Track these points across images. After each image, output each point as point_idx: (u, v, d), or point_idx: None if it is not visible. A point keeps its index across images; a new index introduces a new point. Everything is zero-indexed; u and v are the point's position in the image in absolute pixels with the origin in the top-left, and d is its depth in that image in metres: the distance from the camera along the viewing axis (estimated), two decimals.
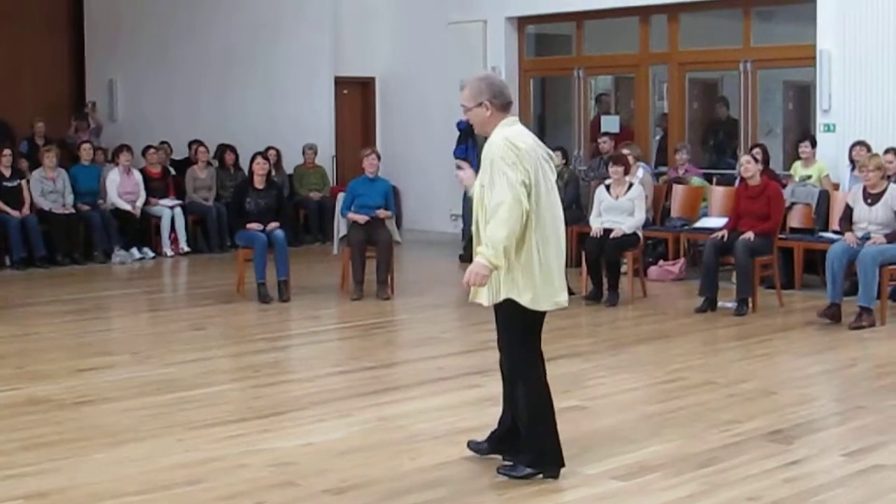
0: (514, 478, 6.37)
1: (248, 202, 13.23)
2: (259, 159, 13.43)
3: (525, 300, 6.22)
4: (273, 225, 13.10)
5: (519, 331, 6.36)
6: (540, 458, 6.40)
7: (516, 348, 6.41)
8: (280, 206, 13.50)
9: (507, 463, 6.50)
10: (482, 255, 6.10)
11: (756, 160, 12.73)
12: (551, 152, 6.51)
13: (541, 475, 6.38)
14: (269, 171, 13.77)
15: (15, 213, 15.93)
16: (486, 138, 6.36)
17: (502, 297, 6.25)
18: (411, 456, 6.95)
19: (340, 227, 13.65)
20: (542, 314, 6.38)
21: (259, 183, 13.32)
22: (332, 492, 6.23)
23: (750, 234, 12.02)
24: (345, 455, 6.97)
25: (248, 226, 13.10)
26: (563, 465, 6.44)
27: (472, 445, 6.85)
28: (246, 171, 15.05)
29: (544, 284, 6.23)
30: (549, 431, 6.42)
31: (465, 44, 18.93)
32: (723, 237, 12.25)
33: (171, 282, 16.13)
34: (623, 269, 12.95)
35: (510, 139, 6.16)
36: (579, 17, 18.24)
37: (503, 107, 6.32)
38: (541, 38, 19.63)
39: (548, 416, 6.42)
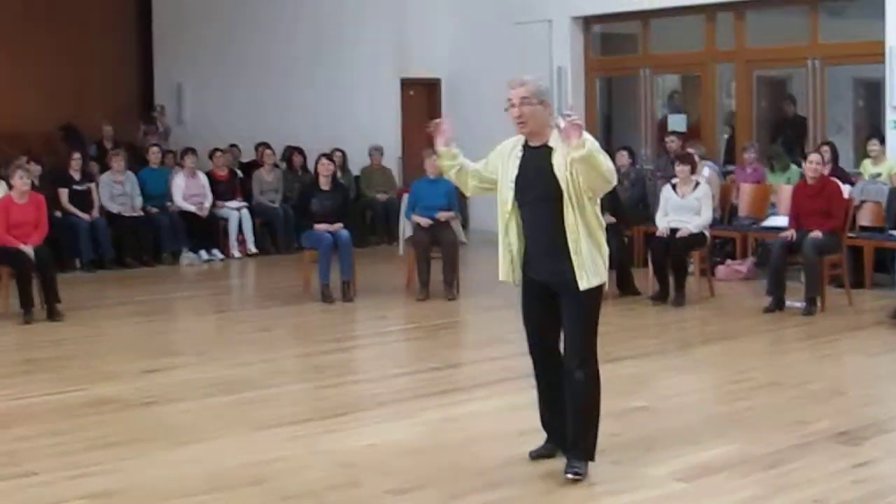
0: (584, 475, 6.35)
1: (313, 203, 13.28)
2: (324, 160, 13.47)
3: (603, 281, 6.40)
4: (338, 226, 13.13)
5: (597, 317, 6.49)
6: (594, 448, 6.44)
7: (593, 335, 6.50)
8: (345, 207, 13.53)
9: (574, 465, 6.43)
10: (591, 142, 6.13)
11: (823, 158, 12.60)
12: None
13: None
14: (335, 173, 13.81)
15: (84, 216, 16.08)
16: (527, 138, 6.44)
17: (595, 282, 6.33)
18: (475, 457, 6.93)
19: (405, 229, 13.67)
20: None
21: (324, 184, 13.36)
22: (393, 492, 6.22)
23: (818, 233, 11.89)
24: (407, 456, 6.96)
25: (315, 226, 13.15)
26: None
27: (533, 454, 6.81)
28: (312, 173, 15.09)
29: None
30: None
31: (531, 44, 18.87)
32: (791, 236, 12.12)
33: (238, 283, 16.22)
34: (690, 268, 12.86)
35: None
36: (645, 15, 18.14)
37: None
38: (606, 38, 19.54)
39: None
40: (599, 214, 6.39)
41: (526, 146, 6.45)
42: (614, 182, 6.35)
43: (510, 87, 6.38)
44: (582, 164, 6.09)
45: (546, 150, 6.35)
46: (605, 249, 6.40)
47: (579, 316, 6.41)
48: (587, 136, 6.10)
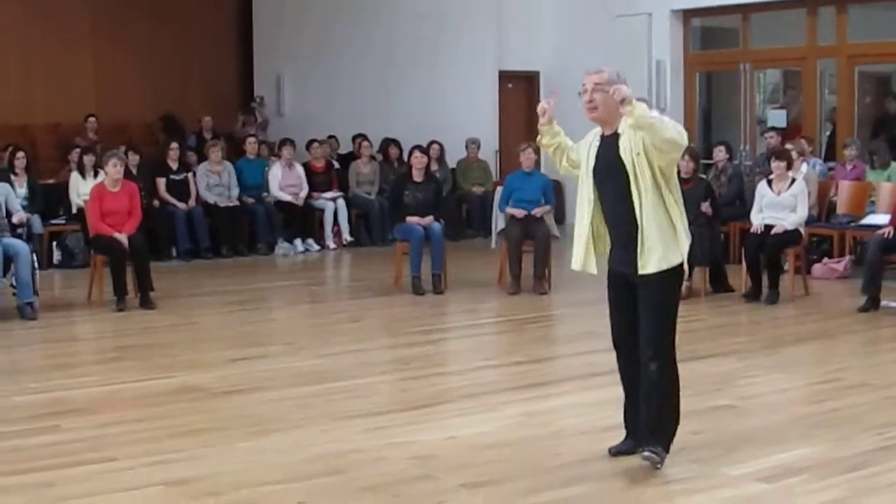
0: (660, 457, 6.31)
1: (406, 195, 13.29)
2: (416, 153, 13.48)
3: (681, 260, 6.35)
4: (429, 219, 13.13)
5: (672, 307, 6.40)
6: (670, 441, 6.38)
7: (667, 326, 6.39)
8: (438, 200, 13.52)
9: (650, 446, 6.36)
10: (640, 107, 6.10)
11: None
12: None
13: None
14: (428, 165, 13.81)
15: (181, 206, 16.27)
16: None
17: (664, 266, 6.28)
18: (554, 452, 6.89)
19: (498, 222, 13.63)
20: None
21: (417, 176, 13.36)
22: (468, 486, 6.20)
23: None
24: (487, 449, 6.93)
25: (407, 219, 13.16)
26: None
27: (612, 451, 6.75)
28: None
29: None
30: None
31: (630, 37, 18.74)
32: (888, 234, 11.90)
33: (332, 274, 16.31)
34: (784, 266, 12.69)
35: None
36: (745, 9, 17.92)
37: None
38: (706, 32, 19.34)
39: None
40: (678, 200, 6.29)
41: (602, 137, 6.44)
42: (684, 141, 6.17)
43: (587, 74, 6.37)
44: (642, 130, 6.07)
45: (615, 138, 6.34)
46: (684, 237, 6.28)
47: (651, 305, 6.33)
48: (637, 103, 6.07)
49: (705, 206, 12.41)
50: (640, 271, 6.24)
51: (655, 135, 6.06)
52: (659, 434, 6.37)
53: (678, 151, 6.23)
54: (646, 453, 6.33)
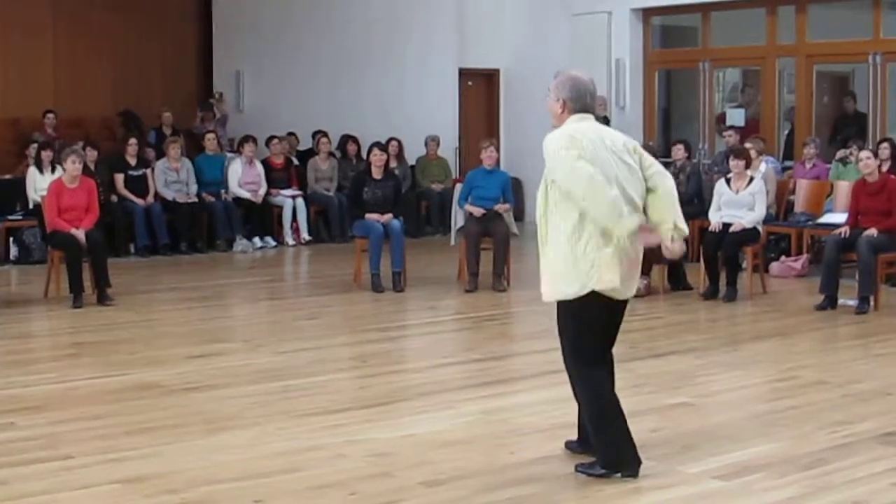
0: (589, 473, 6.27)
1: (365, 192, 13.26)
2: (376, 150, 13.45)
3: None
4: (389, 216, 13.11)
5: (575, 333, 6.33)
6: (604, 457, 6.29)
7: (574, 350, 6.37)
8: (397, 197, 13.49)
9: (582, 465, 6.37)
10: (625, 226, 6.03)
11: (878, 156, 12.42)
12: (632, 145, 6.35)
13: (619, 474, 6.25)
14: (387, 162, 13.78)
15: (140, 202, 16.19)
16: None
17: (550, 296, 6.29)
18: (511, 450, 6.89)
19: (458, 219, 13.63)
20: None
21: (377, 173, 13.33)
22: (426, 484, 6.18)
23: (873, 231, 11.73)
24: (444, 447, 6.92)
25: (366, 216, 13.13)
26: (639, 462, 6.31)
27: (568, 445, 6.76)
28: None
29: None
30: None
31: (590, 35, 18.79)
32: (845, 233, 11.97)
33: (290, 271, 16.27)
34: (743, 264, 12.74)
35: (566, 131, 6.14)
36: (705, 7, 18.02)
37: (576, 109, 6.26)
38: (666, 30, 19.40)
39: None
40: (574, 226, 6.06)
41: None
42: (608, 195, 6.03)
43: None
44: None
45: None
46: (578, 263, 6.06)
47: (561, 326, 6.36)
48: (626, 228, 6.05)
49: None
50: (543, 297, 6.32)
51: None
52: (595, 447, 6.35)
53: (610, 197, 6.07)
54: (578, 469, 6.34)
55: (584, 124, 6.21)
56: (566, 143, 6.05)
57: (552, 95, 6.31)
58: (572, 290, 6.13)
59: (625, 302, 6.32)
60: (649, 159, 6.33)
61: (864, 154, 12.32)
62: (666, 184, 6.28)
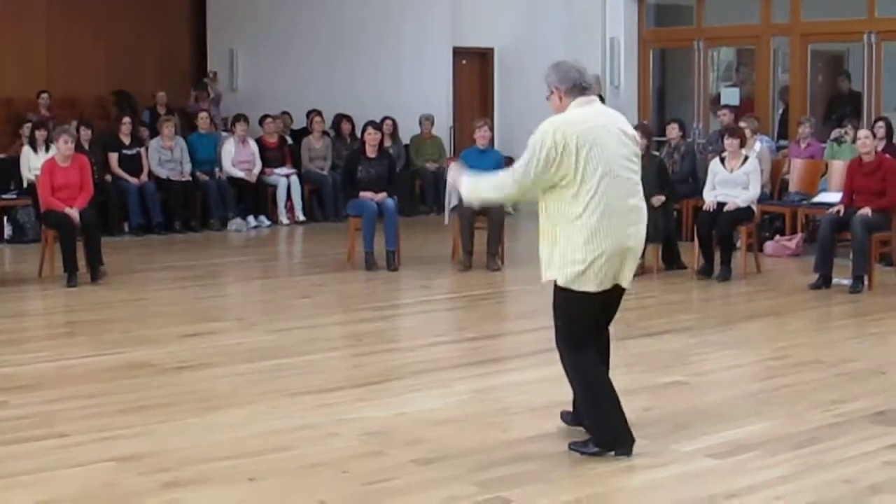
0: (583, 451, 6.28)
1: (359, 171, 13.24)
2: (370, 129, 13.43)
3: None
4: (382, 194, 13.09)
5: (567, 316, 6.34)
6: (598, 434, 6.30)
7: (565, 332, 6.40)
8: (391, 176, 13.48)
9: (575, 443, 6.38)
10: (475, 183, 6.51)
11: (875, 135, 12.41)
12: (632, 135, 6.36)
13: (612, 453, 6.26)
14: (382, 141, 13.76)
15: (134, 181, 16.17)
16: None
17: (549, 276, 6.33)
18: (503, 428, 6.90)
19: (452, 198, 13.60)
20: None
21: (371, 152, 13.31)
22: (418, 462, 6.18)
23: (867, 210, 11.72)
24: (437, 426, 6.92)
25: (360, 195, 13.11)
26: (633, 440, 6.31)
27: (563, 417, 6.77)
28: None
29: None
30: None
31: (585, 14, 18.71)
32: (839, 212, 11.97)
33: (284, 250, 16.27)
34: (737, 243, 12.74)
35: (557, 125, 6.12)
36: None
37: (571, 91, 6.23)
38: (661, 9, 19.34)
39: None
40: (564, 208, 6.18)
41: None
42: (507, 190, 6.44)
43: None
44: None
45: None
46: (570, 246, 6.14)
47: (554, 306, 6.36)
48: (467, 185, 6.52)
49: (658, 200, 12.30)
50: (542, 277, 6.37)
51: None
52: (587, 426, 6.37)
53: (510, 193, 6.48)
54: (572, 447, 6.34)
55: (585, 109, 6.19)
56: (549, 141, 6.05)
57: (547, 92, 6.30)
58: (561, 278, 6.18)
59: (622, 289, 6.31)
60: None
61: (863, 133, 12.28)
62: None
